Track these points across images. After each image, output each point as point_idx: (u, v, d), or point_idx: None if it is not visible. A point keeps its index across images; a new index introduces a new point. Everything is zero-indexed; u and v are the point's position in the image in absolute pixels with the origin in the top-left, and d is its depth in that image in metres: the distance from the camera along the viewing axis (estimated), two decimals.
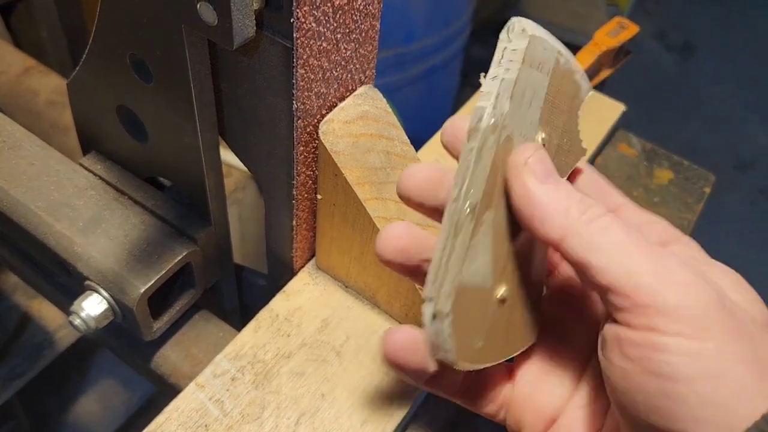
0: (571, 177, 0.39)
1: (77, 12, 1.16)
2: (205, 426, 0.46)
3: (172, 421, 0.46)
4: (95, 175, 0.55)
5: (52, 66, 1.01)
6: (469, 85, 1.93)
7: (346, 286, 0.54)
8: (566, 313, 0.40)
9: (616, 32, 0.71)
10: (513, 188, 0.33)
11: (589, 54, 0.70)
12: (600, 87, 0.74)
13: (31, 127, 0.57)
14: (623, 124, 0.74)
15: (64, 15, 1.14)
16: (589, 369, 0.39)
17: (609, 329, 0.32)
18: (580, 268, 0.32)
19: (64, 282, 0.60)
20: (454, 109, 0.64)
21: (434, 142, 0.68)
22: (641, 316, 0.30)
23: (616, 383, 0.32)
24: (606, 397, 0.35)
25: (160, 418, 0.46)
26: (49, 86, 0.98)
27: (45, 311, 0.94)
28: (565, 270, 0.41)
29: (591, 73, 0.72)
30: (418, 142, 0.66)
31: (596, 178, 0.39)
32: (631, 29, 0.72)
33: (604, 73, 0.73)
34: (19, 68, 0.99)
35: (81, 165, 0.55)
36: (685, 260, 0.32)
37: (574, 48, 0.72)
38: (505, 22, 0.34)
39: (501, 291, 0.35)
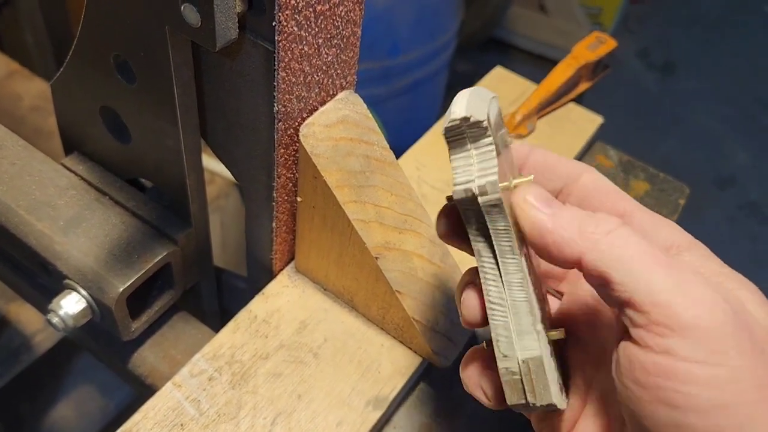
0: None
1: (62, 16, 1.16)
2: (181, 425, 0.46)
3: (149, 420, 0.46)
4: (77, 175, 0.55)
5: (36, 70, 1.01)
6: None
7: (325, 289, 0.55)
8: (576, 325, 0.40)
9: (594, 46, 0.73)
10: (523, 226, 0.34)
11: (568, 67, 0.72)
12: (579, 100, 0.75)
13: (14, 132, 0.57)
14: (604, 139, 0.75)
15: (49, 19, 1.14)
16: (597, 379, 0.38)
17: (623, 351, 0.32)
18: (600, 283, 0.32)
19: (44, 282, 0.60)
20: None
21: (413, 150, 0.69)
22: (657, 336, 0.30)
23: (627, 405, 0.32)
24: (615, 406, 0.36)
25: (136, 417, 0.46)
26: (33, 91, 0.98)
27: (23, 315, 0.93)
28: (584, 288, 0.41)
29: (570, 85, 0.73)
30: (401, 155, 0.67)
31: (602, 186, 0.38)
32: (609, 44, 0.73)
33: (583, 86, 0.75)
34: (2, 72, 0.99)
35: (63, 165, 0.56)
36: (700, 270, 0.32)
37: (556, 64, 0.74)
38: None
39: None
